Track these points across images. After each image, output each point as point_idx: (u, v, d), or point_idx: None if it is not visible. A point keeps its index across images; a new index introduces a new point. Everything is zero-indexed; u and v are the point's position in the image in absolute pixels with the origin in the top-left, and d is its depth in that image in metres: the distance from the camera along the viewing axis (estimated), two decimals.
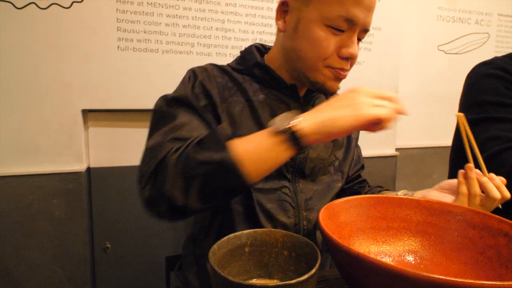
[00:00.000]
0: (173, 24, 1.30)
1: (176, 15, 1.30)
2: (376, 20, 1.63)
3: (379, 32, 1.65)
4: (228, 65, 0.76)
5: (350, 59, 0.66)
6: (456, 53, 1.91)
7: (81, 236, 1.28)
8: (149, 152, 0.59)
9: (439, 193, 0.68)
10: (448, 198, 0.66)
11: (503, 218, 0.51)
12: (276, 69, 0.72)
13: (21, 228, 1.22)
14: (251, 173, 0.52)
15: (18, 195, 1.20)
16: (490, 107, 0.85)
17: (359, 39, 0.67)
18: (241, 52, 0.78)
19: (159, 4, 1.27)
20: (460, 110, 0.97)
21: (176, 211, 0.54)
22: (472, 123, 0.88)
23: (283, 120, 0.53)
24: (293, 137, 0.51)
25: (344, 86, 0.87)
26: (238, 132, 0.67)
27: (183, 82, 0.70)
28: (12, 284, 1.23)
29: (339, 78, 0.68)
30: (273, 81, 0.72)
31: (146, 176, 0.56)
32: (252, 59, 0.73)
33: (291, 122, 0.52)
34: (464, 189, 0.63)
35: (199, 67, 0.72)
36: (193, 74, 0.70)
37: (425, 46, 1.86)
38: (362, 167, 0.91)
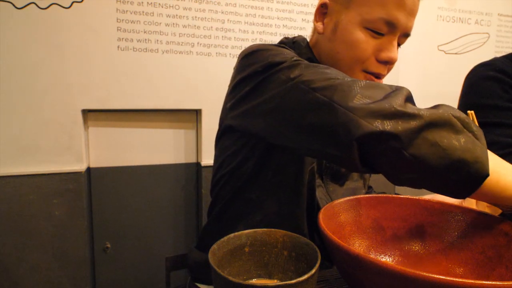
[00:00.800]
0: (173, 24, 1.30)
1: (176, 15, 1.30)
2: None
3: None
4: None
5: (390, 63, 0.64)
6: (456, 53, 1.91)
7: (81, 236, 1.28)
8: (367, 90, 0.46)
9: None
10: (456, 200, 0.65)
11: (503, 218, 0.51)
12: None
13: (21, 228, 1.22)
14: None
15: (18, 195, 1.20)
16: (488, 111, 0.84)
17: (399, 44, 0.66)
18: (287, 41, 0.71)
19: (159, 4, 1.27)
20: (459, 106, 0.96)
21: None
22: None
23: None
24: None
25: None
26: None
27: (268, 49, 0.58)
28: (12, 284, 1.23)
29: None
30: None
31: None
32: (304, 54, 0.69)
33: None
34: None
35: (262, 46, 0.62)
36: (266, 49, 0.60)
37: (425, 46, 1.86)
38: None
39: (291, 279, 0.36)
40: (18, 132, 1.18)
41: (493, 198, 0.45)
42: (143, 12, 1.26)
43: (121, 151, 1.35)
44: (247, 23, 1.40)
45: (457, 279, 0.32)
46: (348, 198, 0.58)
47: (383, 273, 0.35)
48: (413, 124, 0.41)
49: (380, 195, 0.60)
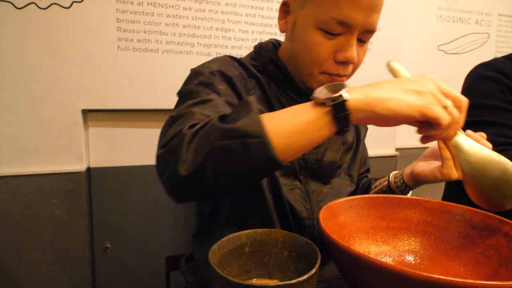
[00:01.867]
0: (173, 24, 1.30)
1: (176, 15, 1.30)
2: None
3: (379, 32, 1.65)
4: (242, 58, 0.73)
5: (348, 63, 0.61)
6: (456, 53, 1.91)
7: (81, 236, 1.28)
8: (173, 119, 0.53)
9: (425, 163, 0.68)
10: (435, 164, 0.65)
11: (503, 218, 0.51)
12: (287, 66, 0.69)
13: (21, 228, 1.22)
14: (283, 150, 0.43)
15: (18, 195, 1.20)
16: (483, 110, 0.85)
17: (362, 41, 0.62)
18: (255, 47, 0.74)
19: (159, 4, 1.27)
20: None
21: (184, 184, 0.46)
22: (466, 126, 0.88)
23: (327, 90, 0.46)
24: (338, 110, 0.43)
25: None
26: None
27: (198, 73, 0.64)
28: (12, 284, 1.23)
29: None
30: (287, 81, 0.69)
31: (163, 140, 0.50)
32: (267, 56, 0.70)
33: (340, 92, 0.43)
34: (446, 153, 0.60)
35: (214, 59, 0.70)
36: (211, 63, 0.67)
37: (425, 46, 1.86)
38: (368, 170, 0.90)
39: (291, 279, 0.36)
40: (18, 132, 1.18)
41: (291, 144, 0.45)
42: (143, 12, 1.26)
43: (121, 151, 1.35)
44: (247, 23, 1.40)
45: (457, 279, 0.32)
46: (348, 198, 0.58)
47: (383, 273, 0.35)
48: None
49: (380, 195, 0.60)
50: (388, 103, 0.42)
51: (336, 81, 0.62)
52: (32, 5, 1.14)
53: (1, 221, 1.19)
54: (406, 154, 1.84)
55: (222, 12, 1.35)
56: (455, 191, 1.02)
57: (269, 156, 0.42)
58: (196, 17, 1.32)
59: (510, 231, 0.49)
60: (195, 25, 1.33)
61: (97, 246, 1.36)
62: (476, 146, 0.49)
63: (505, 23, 1.99)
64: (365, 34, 0.61)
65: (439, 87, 0.46)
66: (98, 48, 1.22)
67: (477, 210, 0.54)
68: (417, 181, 0.69)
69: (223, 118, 0.46)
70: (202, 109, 0.53)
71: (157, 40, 1.29)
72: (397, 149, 1.77)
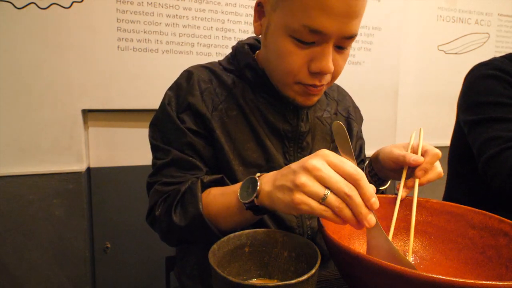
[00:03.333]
0: (173, 24, 1.30)
1: (176, 15, 1.30)
2: (376, 20, 1.64)
3: (379, 32, 1.65)
4: (220, 63, 0.71)
5: (324, 74, 0.56)
6: (456, 53, 1.91)
7: (81, 236, 1.28)
8: (148, 186, 0.66)
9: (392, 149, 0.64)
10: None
11: (503, 218, 0.51)
12: (265, 69, 0.65)
13: (21, 228, 1.22)
14: (224, 228, 0.56)
15: (18, 195, 1.20)
16: (489, 108, 0.84)
17: (341, 48, 0.56)
18: (233, 48, 0.71)
19: (159, 4, 1.27)
20: (458, 111, 0.97)
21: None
22: (471, 125, 0.87)
23: (246, 187, 0.50)
24: (255, 207, 0.49)
25: (343, 85, 0.87)
26: (232, 138, 0.64)
27: (163, 101, 0.67)
28: (12, 284, 1.23)
29: (311, 94, 0.60)
30: (264, 85, 0.66)
31: (149, 206, 0.64)
32: (243, 60, 0.67)
33: (253, 195, 0.48)
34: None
35: (184, 76, 0.68)
36: (175, 88, 0.67)
37: (425, 46, 1.86)
38: (362, 161, 0.88)
39: (291, 279, 0.36)
40: (18, 132, 1.18)
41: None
42: (143, 12, 1.26)
43: (121, 151, 1.35)
44: (247, 23, 1.40)
45: (457, 279, 0.32)
46: None
47: (383, 273, 0.35)
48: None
49: (380, 195, 0.60)
50: (275, 202, 0.46)
51: (311, 92, 0.59)
52: (32, 5, 1.14)
53: (1, 221, 1.19)
54: None
55: (222, 12, 1.35)
56: (455, 191, 1.02)
57: (213, 235, 0.55)
58: (196, 17, 1.32)
59: (510, 231, 0.49)
60: (195, 25, 1.33)
61: (97, 246, 1.36)
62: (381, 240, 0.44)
63: (505, 23, 1.99)
64: (343, 40, 0.54)
65: (317, 173, 0.41)
66: (98, 48, 1.22)
67: (477, 210, 0.54)
68: (380, 162, 0.66)
69: (175, 208, 0.59)
70: (166, 177, 0.63)
71: (157, 40, 1.29)
72: None
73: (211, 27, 1.35)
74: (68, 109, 1.22)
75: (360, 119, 0.85)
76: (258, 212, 0.50)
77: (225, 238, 0.46)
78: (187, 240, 0.61)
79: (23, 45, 1.15)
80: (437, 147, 0.61)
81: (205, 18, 1.34)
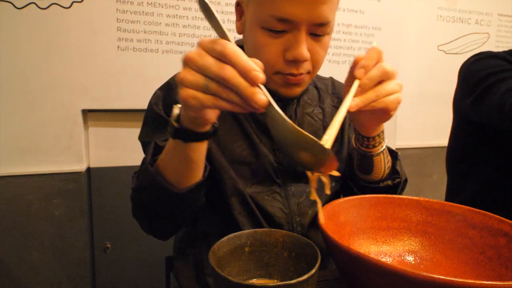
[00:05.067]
0: (173, 24, 1.30)
1: (176, 15, 1.30)
2: (376, 20, 1.64)
3: (379, 32, 1.65)
4: None
5: (299, 62, 0.56)
6: (456, 53, 1.91)
7: (81, 236, 1.28)
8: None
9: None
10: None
11: (503, 218, 0.51)
12: None
13: (21, 228, 1.22)
14: (174, 179, 0.52)
15: (18, 195, 1.20)
16: (491, 75, 0.82)
17: (316, 35, 0.56)
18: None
19: (159, 4, 1.27)
20: (456, 104, 0.96)
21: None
22: (478, 99, 0.83)
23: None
24: (179, 133, 0.46)
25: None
26: (220, 137, 0.64)
27: (149, 106, 0.68)
28: (12, 284, 1.23)
29: (292, 84, 0.60)
30: None
31: None
32: None
33: (171, 117, 0.46)
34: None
35: (173, 78, 0.69)
36: (164, 89, 0.69)
37: (425, 46, 1.86)
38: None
39: (291, 279, 0.36)
40: (18, 132, 1.18)
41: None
42: (143, 12, 1.26)
43: (121, 151, 1.35)
44: None
45: (457, 279, 0.32)
46: (348, 198, 0.58)
47: (383, 273, 0.35)
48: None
49: (380, 195, 0.60)
50: (181, 113, 0.45)
51: (291, 80, 0.58)
52: (32, 5, 1.14)
53: (1, 221, 1.19)
54: (406, 154, 1.84)
55: (222, 12, 1.35)
56: (455, 191, 1.02)
57: (162, 189, 0.51)
58: (196, 17, 1.32)
59: (510, 231, 0.49)
60: (195, 25, 1.33)
61: (97, 246, 1.36)
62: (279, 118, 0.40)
63: (505, 23, 1.99)
64: (316, 27, 0.54)
65: (192, 63, 0.39)
66: (98, 48, 1.22)
67: (477, 210, 0.54)
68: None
69: (134, 176, 0.59)
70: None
71: (157, 40, 1.29)
72: (397, 149, 1.77)
73: (211, 27, 1.34)
74: (68, 109, 1.22)
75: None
76: (187, 138, 0.47)
77: (225, 238, 0.46)
78: (148, 206, 0.57)
79: (23, 45, 1.15)
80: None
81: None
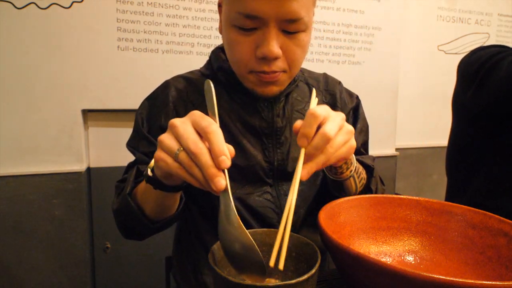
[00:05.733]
0: (173, 24, 1.30)
1: (176, 15, 1.30)
2: (376, 20, 1.64)
3: (379, 32, 1.65)
4: (200, 69, 0.73)
5: (270, 59, 0.55)
6: (456, 53, 1.91)
7: (81, 236, 1.28)
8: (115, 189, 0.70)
9: None
10: None
11: (503, 218, 0.51)
12: None
13: (21, 228, 1.22)
14: (148, 212, 0.56)
15: (18, 195, 1.20)
16: (491, 58, 0.81)
17: (289, 32, 0.55)
18: (210, 53, 0.72)
19: (159, 4, 1.27)
20: (457, 99, 0.96)
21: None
22: (481, 85, 0.82)
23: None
24: (151, 181, 0.49)
25: (344, 84, 0.87)
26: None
27: (136, 119, 0.69)
28: (12, 284, 1.23)
29: (266, 82, 0.59)
30: (237, 85, 0.65)
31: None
32: (216, 63, 0.68)
33: (148, 167, 0.49)
34: None
35: (160, 88, 0.71)
36: (148, 106, 0.70)
37: (425, 46, 1.86)
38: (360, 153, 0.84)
39: (291, 279, 0.36)
40: (18, 132, 1.18)
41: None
42: (143, 12, 1.26)
43: (121, 151, 1.34)
44: None
45: (457, 279, 0.32)
46: (348, 198, 0.58)
47: (383, 273, 0.35)
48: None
49: (380, 195, 0.60)
50: (157, 165, 0.45)
51: (264, 78, 0.58)
52: (32, 5, 1.14)
53: (1, 221, 1.19)
54: (406, 154, 1.84)
55: (216, 12, 1.35)
56: (455, 192, 1.02)
57: (138, 220, 0.56)
58: (196, 17, 1.32)
59: (510, 231, 0.49)
60: (195, 25, 1.33)
61: (97, 246, 1.36)
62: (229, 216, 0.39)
63: (505, 23, 1.99)
64: (287, 24, 0.53)
65: (174, 129, 0.40)
66: (98, 48, 1.22)
67: (477, 210, 0.54)
68: None
69: (116, 196, 0.65)
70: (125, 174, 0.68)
71: (157, 40, 1.29)
72: (397, 149, 1.77)
73: (211, 27, 1.35)
74: (68, 109, 1.22)
75: (356, 103, 0.79)
76: (157, 186, 0.49)
77: None
78: (126, 227, 0.64)
79: (23, 45, 1.15)
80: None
81: (205, 18, 1.34)
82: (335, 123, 0.46)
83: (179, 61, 1.31)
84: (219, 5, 0.63)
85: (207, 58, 0.74)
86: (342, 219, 0.55)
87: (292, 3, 0.51)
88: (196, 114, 0.41)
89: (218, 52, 0.69)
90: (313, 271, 0.38)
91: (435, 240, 0.56)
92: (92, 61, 1.22)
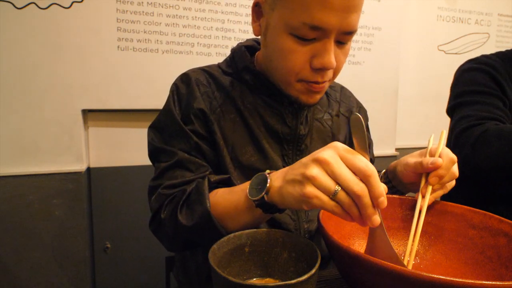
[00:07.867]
0: (173, 24, 1.30)
1: (176, 15, 1.30)
2: (376, 20, 1.64)
3: (379, 32, 1.65)
4: (219, 65, 0.71)
5: (326, 70, 0.56)
6: (456, 53, 1.91)
7: (81, 236, 1.28)
8: (150, 191, 0.64)
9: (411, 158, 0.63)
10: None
11: (503, 218, 0.51)
12: (265, 71, 0.65)
13: (21, 228, 1.22)
14: (231, 229, 0.54)
15: (18, 195, 1.20)
16: (469, 94, 0.89)
17: (342, 43, 0.56)
18: (231, 51, 0.71)
19: (159, 4, 1.27)
20: (448, 104, 0.98)
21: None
22: (453, 110, 0.93)
23: (256, 184, 0.49)
24: (265, 205, 0.48)
25: (343, 85, 0.87)
26: (229, 141, 0.64)
27: (167, 104, 0.66)
28: (12, 284, 1.23)
29: (314, 92, 0.59)
30: (262, 87, 0.65)
31: (152, 212, 0.61)
32: (241, 63, 0.66)
33: (263, 191, 0.47)
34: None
35: (182, 78, 0.67)
36: (176, 91, 0.66)
37: (425, 46, 1.86)
38: (371, 161, 0.86)
39: (291, 279, 0.36)
40: (18, 132, 1.18)
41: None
42: (143, 12, 1.26)
43: (121, 151, 1.35)
44: (247, 23, 1.40)
45: (457, 279, 0.32)
46: None
47: (383, 273, 0.35)
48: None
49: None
50: (285, 197, 0.45)
51: (314, 88, 0.58)
52: (32, 5, 1.14)
53: (1, 221, 1.19)
54: (406, 154, 1.84)
55: (222, 12, 1.35)
56: (455, 193, 1.02)
57: (220, 236, 0.51)
58: (196, 17, 1.32)
59: (510, 231, 0.49)
60: (195, 25, 1.33)
61: (97, 246, 1.36)
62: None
63: (505, 23, 1.99)
64: (343, 36, 0.54)
65: (328, 167, 0.40)
66: (98, 48, 1.22)
67: (477, 210, 0.54)
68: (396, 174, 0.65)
69: (181, 208, 0.57)
70: (170, 179, 0.61)
71: (157, 40, 1.29)
72: (397, 149, 1.77)
73: (211, 27, 1.35)
74: (68, 109, 1.22)
75: (365, 119, 0.83)
76: (268, 210, 0.49)
77: (225, 238, 0.46)
78: (193, 243, 0.59)
79: (23, 45, 1.15)
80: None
81: (205, 18, 1.34)
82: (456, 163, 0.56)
83: (179, 61, 1.31)
84: (256, 5, 0.60)
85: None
86: (342, 219, 0.55)
87: (354, 16, 0.53)
88: (343, 149, 0.41)
89: (243, 51, 0.68)
90: (313, 271, 0.38)
91: (435, 240, 0.56)
92: (92, 61, 1.22)
